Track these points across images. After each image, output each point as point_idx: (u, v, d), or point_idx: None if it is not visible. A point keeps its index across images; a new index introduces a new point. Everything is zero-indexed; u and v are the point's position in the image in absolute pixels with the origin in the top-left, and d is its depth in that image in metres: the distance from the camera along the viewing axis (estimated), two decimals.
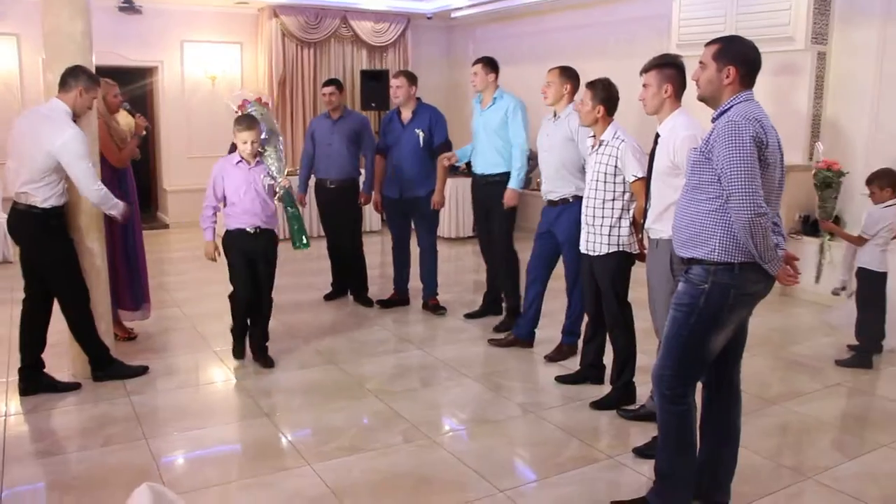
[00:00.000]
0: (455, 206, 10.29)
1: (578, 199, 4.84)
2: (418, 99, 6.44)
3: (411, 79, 6.43)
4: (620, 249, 4.45)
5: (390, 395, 4.75)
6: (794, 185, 7.18)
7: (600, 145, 4.45)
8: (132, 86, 10.60)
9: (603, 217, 4.44)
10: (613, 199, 4.41)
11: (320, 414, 4.48)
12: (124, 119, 5.71)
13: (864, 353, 5.38)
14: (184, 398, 4.75)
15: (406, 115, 6.42)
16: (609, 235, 4.44)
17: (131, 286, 5.64)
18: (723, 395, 3.36)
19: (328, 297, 7.06)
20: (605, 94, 4.43)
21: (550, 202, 5.26)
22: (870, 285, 5.37)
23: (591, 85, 4.49)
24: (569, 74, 5.20)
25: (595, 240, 4.50)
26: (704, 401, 3.39)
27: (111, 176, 5.27)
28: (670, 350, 3.18)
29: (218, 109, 10.08)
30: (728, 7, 7.48)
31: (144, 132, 5.76)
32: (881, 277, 5.36)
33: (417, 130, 6.33)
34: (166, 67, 10.87)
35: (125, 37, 10.33)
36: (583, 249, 4.61)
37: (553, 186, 5.22)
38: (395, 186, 6.49)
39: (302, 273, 8.11)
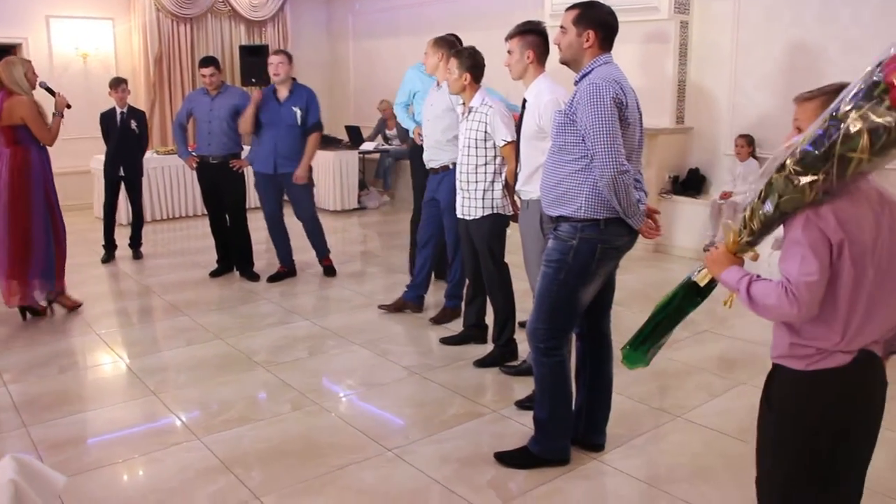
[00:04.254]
0: (340, 179, 10.29)
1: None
2: (293, 79, 6.61)
3: (290, 58, 6.59)
4: (494, 212, 4.57)
5: (278, 366, 4.79)
6: (663, 147, 7.53)
7: (469, 112, 4.55)
8: None
9: (476, 182, 4.55)
10: (486, 164, 4.51)
11: (208, 388, 4.48)
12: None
13: None
14: (67, 383, 4.65)
15: (283, 93, 6.54)
16: (483, 199, 4.55)
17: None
18: (595, 344, 3.56)
19: (214, 274, 7.00)
20: (471, 62, 4.52)
21: (432, 170, 5.37)
22: None
23: (458, 53, 4.59)
24: (441, 43, 5.35)
25: (470, 204, 4.61)
26: (578, 352, 3.59)
27: (39, 157, 5.37)
28: (542, 304, 3.34)
29: (92, 87, 9.80)
30: None
31: (67, 108, 5.68)
32: None
33: (295, 108, 6.48)
34: (31, 44, 10.30)
35: None
36: (459, 214, 4.73)
37: (434, 155, 5.32)
38: (269, 162, 6.57)
39: (186, 252, 7.99)
